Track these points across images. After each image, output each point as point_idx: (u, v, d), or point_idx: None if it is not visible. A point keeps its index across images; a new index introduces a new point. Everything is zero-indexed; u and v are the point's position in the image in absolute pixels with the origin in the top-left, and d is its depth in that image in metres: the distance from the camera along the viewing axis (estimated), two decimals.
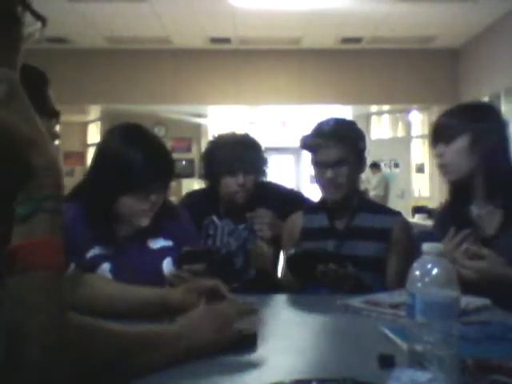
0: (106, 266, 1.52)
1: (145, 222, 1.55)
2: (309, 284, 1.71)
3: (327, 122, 1.88)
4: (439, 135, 1.70)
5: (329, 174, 1.81)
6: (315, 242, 1.84)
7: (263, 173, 2.16)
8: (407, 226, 1.92)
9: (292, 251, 1.68)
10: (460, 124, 1.66)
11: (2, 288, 0.66)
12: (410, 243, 1.83)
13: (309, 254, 1.67)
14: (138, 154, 1.50)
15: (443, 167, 1.70)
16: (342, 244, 1.81)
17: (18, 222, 0.69)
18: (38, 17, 0.76)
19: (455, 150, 1.65)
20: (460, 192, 1.72)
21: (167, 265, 1.58)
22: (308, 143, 1.88)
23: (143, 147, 1.52)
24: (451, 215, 1.73)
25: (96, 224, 1.53)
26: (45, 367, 0.67)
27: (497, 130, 1.67)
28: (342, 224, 1.88)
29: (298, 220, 1.96)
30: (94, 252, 1.53)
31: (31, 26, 0.76)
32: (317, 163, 1.86)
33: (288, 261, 1.69)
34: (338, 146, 1.81)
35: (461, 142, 1.64)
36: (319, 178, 1.86)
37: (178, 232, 1.65)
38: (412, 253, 1.72)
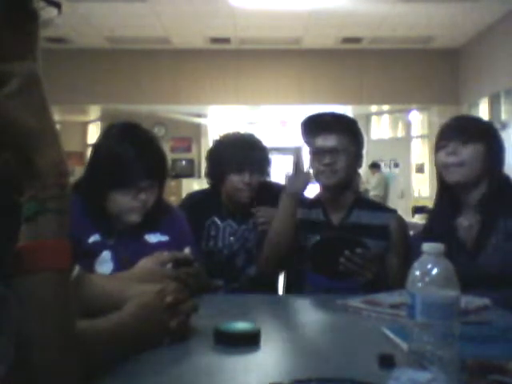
0: (106, 254, 1.55)
1: (135, 218, 1.57)
2: (331, 276, 1.69)
3: (329, 112, 1.93)
4: (457, 133, 1.69)
5: (327, 159, 1.82)
6: (310, 235, 1.84)
7: (267, 173, 2.16)
8: (404, 223, 1.95)
9: (317, 238, 1.68)
10: (478, 131, 1.69)
11: (9, 289, 0.65)
12: (407, 240, 1.85)
13: (335, 240, 1.68)
14: (128, 150, 1.53)
15: (455, 166, 1.67)
16: None
17: (23, 222, 0.67)
18: (53, 3, 0.74)
19: (472, 151, 1.65)
20: (450, 201, 1.73)
21: None
22: (309, 126, 1.89)
23: (135, 144, 1.55)
24: (438, 228, 1.72)
25: (93, 217, 1.56)
26: (50, 369, 0.66)
27: (501, 148, 1.73)
28: (337, 219, 1.89)
29: None
30: (95, 238, 1.55)
31: (45, 11, 0.73)
32: (315, 149, 1.86)
33: (313, 247, 1.68)
34: (337, 133, 1.83)
35: (478, 147, 1.66)
36: (316, 165, 1.85)
37: (174, 229, 1.67)
38: (409, 249, 1.73)
